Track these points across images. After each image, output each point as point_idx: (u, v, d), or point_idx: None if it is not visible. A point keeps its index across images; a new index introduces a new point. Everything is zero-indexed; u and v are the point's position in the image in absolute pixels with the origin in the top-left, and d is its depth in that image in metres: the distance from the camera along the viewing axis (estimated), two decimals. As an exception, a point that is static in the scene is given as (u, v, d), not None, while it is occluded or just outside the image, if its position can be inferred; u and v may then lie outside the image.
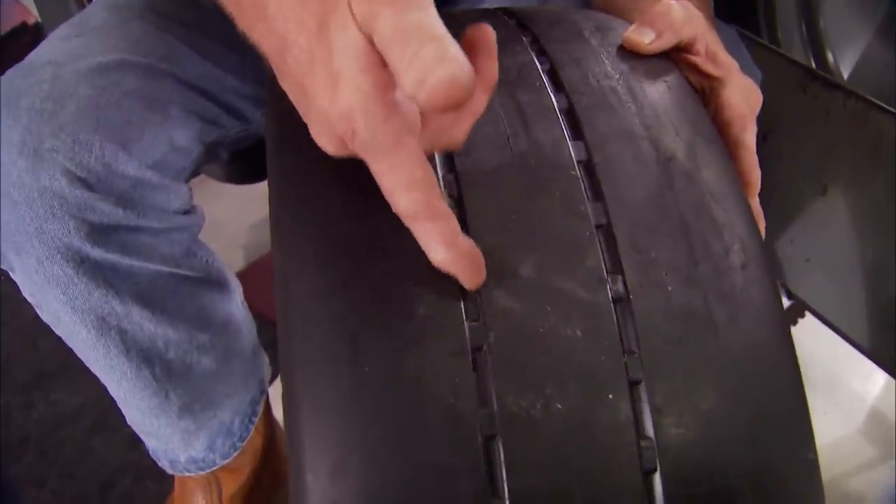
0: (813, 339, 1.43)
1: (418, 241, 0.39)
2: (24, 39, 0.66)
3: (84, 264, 0.68)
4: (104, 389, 0.82)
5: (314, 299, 0.39)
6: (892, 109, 0.76)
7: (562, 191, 0.43)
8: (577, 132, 0.45)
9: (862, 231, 0.86)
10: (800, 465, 0.40)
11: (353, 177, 0.41)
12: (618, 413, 0.38)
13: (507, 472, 0.37)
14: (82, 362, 0.78)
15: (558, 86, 0.48)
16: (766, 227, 0.52)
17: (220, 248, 0.86)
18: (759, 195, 0.54)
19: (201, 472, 0.91)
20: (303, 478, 0.37)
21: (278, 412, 1.20)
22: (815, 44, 0.96)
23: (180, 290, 0.77)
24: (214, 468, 0.91)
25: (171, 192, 0.71)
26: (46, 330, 0.76)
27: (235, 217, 1.59)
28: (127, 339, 0.74)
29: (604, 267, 0.41)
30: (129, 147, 0.66)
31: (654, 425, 0.38)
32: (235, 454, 0.92)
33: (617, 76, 0.49)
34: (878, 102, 0.77)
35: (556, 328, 0.39)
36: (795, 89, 0.84)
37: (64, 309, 0.71)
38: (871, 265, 0.87)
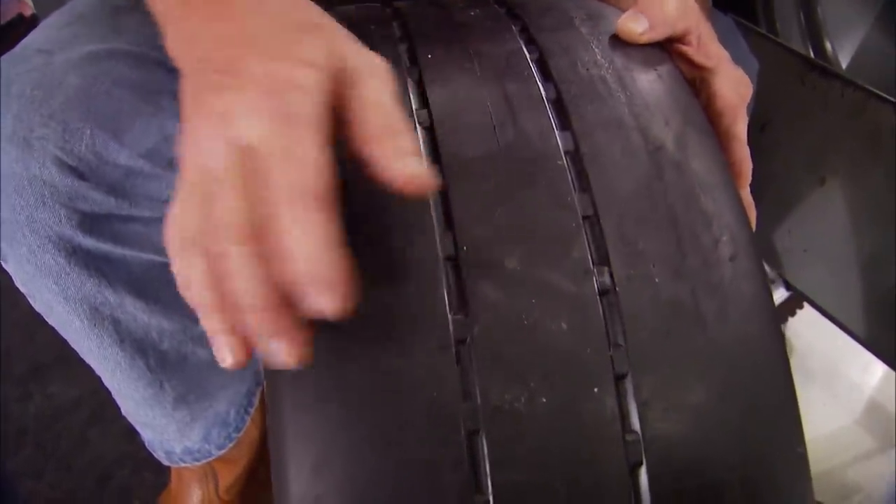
0: (811, 330, 1.43)
1: None
2: (20, 31, 0.66)
3: (76, 254, 0.67)
4: (101, 381, 0.81)
5: None
6: (891, 98, 0.76)
7: (548, 181, 0.42)
8: (564, 122, 0.45)
9: (860, 222, 0.86)
10: (789, 458, 0.40)
11: (336, 163, 0.41)
12: (603, 407, 0.38)
13: (490, 466, 0.36)
14: (81, 356, 0.78)
15: (547, 75, 0.47)
16: (765, 218, 0.51)
17: None
18: (757, 185, 0.54)
19: (197, 463, 0.91)
20: (285, 473, 0.37)
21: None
22: (814, 33, 0.95)
23: (173, 280, 0.77)
24: (210, 459, 0.91)
25: (163, 181, 0.71)
26: (44, 322, 0.76)
27: None
28: (121, 329, 0.74)
29: (590, 259, 0.40)
30: (121, 136, 0.66)
31: (640, 419, 0.38)
32: (231, 445, 0.92)
33: (607, 65, 0.48)
34: (877, 91, 0.77)
35: (542, 321, 0.38)
36: (794, 79, 0.83)
37: (56, 299, 0.70)
38: (868, 256, 0.87)
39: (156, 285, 0.75)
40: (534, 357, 0.38)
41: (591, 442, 0.37)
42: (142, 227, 0.71)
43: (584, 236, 0.41)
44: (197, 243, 0.36)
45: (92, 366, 0.79)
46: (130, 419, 0.87)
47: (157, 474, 1.17)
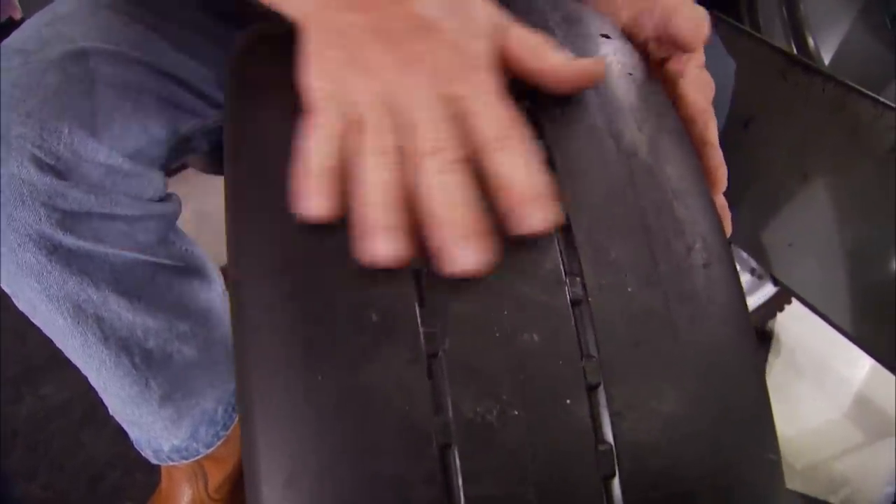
0: (800, 325, 1.44)
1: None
2: (9, 34, 0.67)
3: (57, 252, 0.68)
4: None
5: (266, 308, 0.39)
6: (870, 93, 0.76)
7: None
8: (537, 129, 0.44)
9: (843, 216, 0.86)
10: (761, 466, 0.40)
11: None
12: (576, 418, 0.38)
13: (463, 480, 0.36)
14: (65, 353, 0.78)
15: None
16: (750, 213, 0.52)
17: (208, 240, 0.85)
18: (742, 181, 0.54)
19: (185, 462, 0.91)
20: (258, 489, 0.37)
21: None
22: (796, 29, 0.95)
23: (158, 279, 0.77)
24: (198, 457, 0.91)
25: (144, 180, 0.71)
26: (35, 325, 0.76)
27: (223, 209, 1.58)
28: (105, 327, 0.74)
29: (562, 268, 0.40)
30: (99, 134, 0.66)
31: (613, 430, 0.38)
32: (219, 443, 0.92)
33: None
34: (857, 87, 0.77)
35: (514, 333, 0.38)
36: (776, 76, 0.83)
37: (39, 297, 0.71)
38: (852, 250, 0.87)
39: (139, 283, 0.75)
40: (506, 369, 0.38)
41: (564, 454, 0.37)
42: (124, 224, 0.71)
43: (556, 245, 0.41)
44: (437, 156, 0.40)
45: (77, 364, 0.79)
46: (118, 418, 0.87)
47: (148, 475, 1.18)
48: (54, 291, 0.70)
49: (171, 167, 0.80)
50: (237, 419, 0.92)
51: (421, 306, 0.39)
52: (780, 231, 0.97)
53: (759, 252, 1.03)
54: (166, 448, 0.90)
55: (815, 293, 0.99)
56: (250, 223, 0.41)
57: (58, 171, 0.64)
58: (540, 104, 0.45)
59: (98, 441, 0.89)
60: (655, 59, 0.54)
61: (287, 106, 0.43)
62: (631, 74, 0.49)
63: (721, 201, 0.51)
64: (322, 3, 0.43)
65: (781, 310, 1.49)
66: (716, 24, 0.82)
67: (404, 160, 0.40)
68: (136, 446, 0.92)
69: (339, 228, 0.39)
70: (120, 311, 0.74)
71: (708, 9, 0.81)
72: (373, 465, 0.36)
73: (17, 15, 1.90)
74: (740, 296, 0.42)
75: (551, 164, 0.43)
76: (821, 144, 0.83)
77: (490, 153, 0.40)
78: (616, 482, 0.37)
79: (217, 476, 1.01)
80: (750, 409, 0.40)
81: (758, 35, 0.88)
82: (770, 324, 1.52)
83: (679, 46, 0.53)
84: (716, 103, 0.63)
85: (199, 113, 0.78)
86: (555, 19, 0.52)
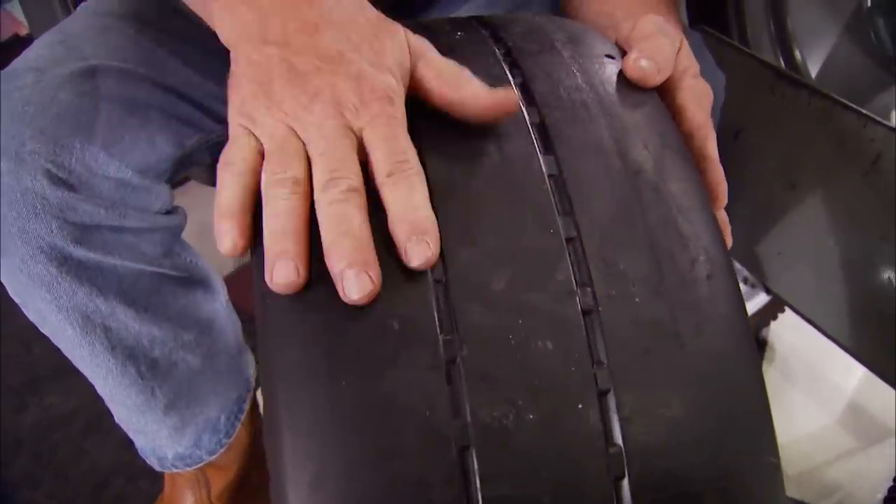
0: (793, 334, 1.46)
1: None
2: (17, 50, 0.69)
3: (67, 263, 0.69)
4: (97, 392, 0.83)
5: (292, 316, 0.40)
6: (854, 106, 0.78)
7: (533, 205, 0.44)
8: (548, 146, 0.46)
9: (829, 225, 0.88)
10: (763, 469, 0.42)
11: None
12: (587, 422, 0.40)
13: (480, 481, 0.38)
14: (76, 367, 0.79)
15: (530, 100, 0.49)
16: (740, 223, 0.53)
17: (212, 251, 0.86)
18: (731, 191, 0.56)
19: (189, 469, 0.92)
20: (283, 490, 0.39)
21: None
22: (784, 43, 0.98)
23: (164, 289, 0.79)
24: (201, 464, 0.93)
25: (152, 193, 0.73)
26: (40, 335, 0.77)
27: None
28: (112, 337, 0.76)
29: (573, 280, 0.42)
30: (110, 149, 0.68)
31: (623, 434, 0.40)
32: (222, 451, 0.93)
33: (587, 89, 0.50)
34: (841, 100, 0.79)
35: (528, 341, 0.40)
36: (764, 89, 0.86)
37: (49, 308, 0.72)
38: (840, 259, 0.90)
39: (146, 294, 0.77)
40: (521, 375, 0.39)
41: (576, 456, 0.39)
42: (132, 237, 0.72)
43: (568, 258, 0.42)
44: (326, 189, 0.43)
45: (84, 373, 0.80)
46: (123, 426, 0.89)
47: (151, 483, 1.19)
48: (64, 302, 0.71)
49: (174, 180, 0.82)
50: (239, 427, 0.93)
51: (439, 316, 0.40)
52: (769, 240, 0.99)
53: (750, 261, 1.05)
54: (170, 455, 0.91)
55: (806, 301, 1.01)
56: None
57: (70, 184, 0.66)
58: (549, 121, 0.47)
59: (102, 449, 0.90)
60: None
61: None
62: (635, 95, 0.51)
63: (722, 216, 0.53)
64: (244, 35, 0.47)
65: (775, 318, 1.51)
66: (705, 37, 0.85)
67: (303, 191, 0.43)
68: (140, 454, 0.93)
69: None
70: (127, 321, 0.76)
71: (698, 24, 0.83)
72: (395, 467, 0.38)
73: (23, 31, 1.91)
74: (741, 306, 0.44)
75: (562, 181, 0.45)
76: (808, 155, 0.86)
77: (382, 186, 0.43)
78: (625, 483, 0.39)
79: (219, 483, 1.02)
80: (751, 414, 0.43)
81: (746, 49, 0.90)
82: (764, 332, 1.54)
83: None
84: None
85: (203, 128, 0.79)
86: (560, 39, 0.54)
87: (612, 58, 0.54)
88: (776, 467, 0.42)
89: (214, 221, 0.43)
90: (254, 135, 0.45)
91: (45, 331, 0.76)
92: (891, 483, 1.08)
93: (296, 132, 0.44)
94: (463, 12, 0.86)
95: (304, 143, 0.44)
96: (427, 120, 0.47)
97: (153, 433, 0.87)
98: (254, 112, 0.45)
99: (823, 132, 0.81)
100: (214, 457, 0.92)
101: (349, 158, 0.43)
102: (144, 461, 0.93)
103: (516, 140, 0.46)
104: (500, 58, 0.52)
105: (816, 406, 1.40)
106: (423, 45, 0.48)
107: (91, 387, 0.82)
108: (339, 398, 0.39)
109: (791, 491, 1.22)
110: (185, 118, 0.76)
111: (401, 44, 0.47)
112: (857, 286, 0.91)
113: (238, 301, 0.94)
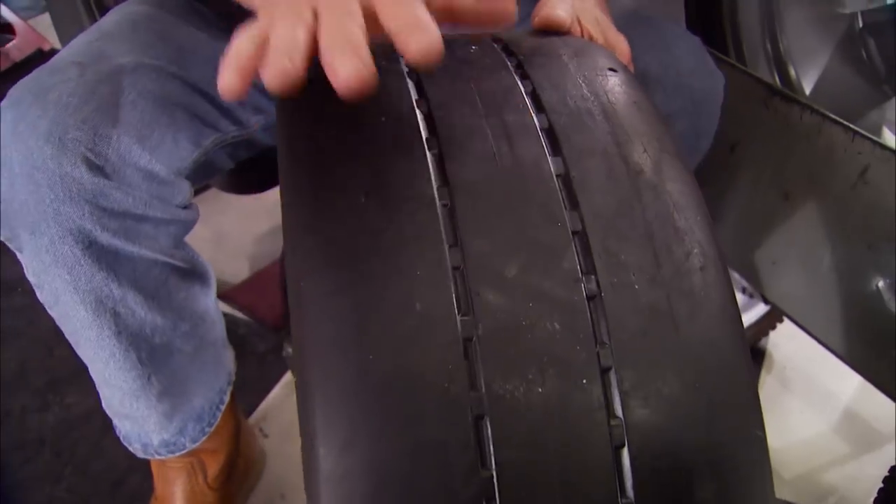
0: (790, 343, 1.50)
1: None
2: (40, 65, 0.75)
3: (91, 247, 0.74)
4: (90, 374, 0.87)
5: (325, 297, 0.45)
6: (842, 121, 0.83)
7: (542, 201, 0.48)
8: (556, 149, 0.51)
9: (820, 235, 0.93)
10: (750, 441, 0.46)
11: (358, 187, 0.47)
12: (591, 396, 0.44)
13: (493, 447, 0.42)
14: (74, 345, 0.84)
15: (539, 107, 0.53)
16: (737, 232, 0.58)
17: (226, 257, 0.90)
18: (729, 201, 0.61)
19: (172, 455, 0.97)
20: (315, 452, 0.43)
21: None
22: (779, 61, 1.02)
23: (170, 280, 0.84)
24: (184, 451, 0.97)
25: (174, 187, 0.78)
26: (61, 338, 0.82)
27: (241, 229, 1.68)
28: (119, 322, 0.81)
29: (579, 268, 0.46)
30: (143, 142, 0.73)
31: (623, 407, 0.44)
32: (204, 438, 0.98)
33: (592, 98, 0.55)
34: (830, 115, 0.84)
35: (537, 322, 0.44)
36: (758, 104, 0.90)
37: (66, 288, 0.77)
38: (831, 267, 0.94)
39: (155, 283, 0.82)
40: (531, 353, 0.44)
41: (581, 426, 0.43)
42: (151, 227, 0.78)
43: (574, 249, 0.47)
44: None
45: (84, 355, 0.85)
46: (110, 411, 0.94)
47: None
48: (82, 284, 0.76)
49: (198, 185, 0.87)
50: (220, 417, 0.98)
51: (457, 298, 0.45)
52: (765, 249, 1.04)
53: (747, 270, 1.09)
54: (156, 442, 0.96)
55: (801, 310, 1.05)
56: (308, 225, 0.47)
57: (105, 172, 0.71)
58: (557, 127, 0.52)
59: (119, 448, 0.94)
60: None
61: (333, 122, 0.50)
62: (636, 104, 0.55)
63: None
64: None
65: (773, 328, 1.55)
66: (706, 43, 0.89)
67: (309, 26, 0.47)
68: (123, 441, 0.98)
69: (387, 231, 0.46)
70: (135, 307, 0.81)
71: (695, 32, 0.89)
72: (417, 433, 0.42)
73: (46, 46, 1.97)
74: (731, 295, 0.48)
75: (568, 179, 0.49)
76: (799, 167, 0.90)
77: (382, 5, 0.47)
78: (625, 452, 0.44)
79: (214, 466, 1.08)
80: (739, 392, 0.47)
81: (742, 67, 0.95)
82: (763, 342, 1.58)
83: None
84: (707, 113, 0.77)
85: (220, 128, 0.84)
86: (567, 53, 0.59)
87: (614, 71, 0.58)
88: (761, 439, 0.46)
89: (221, 67, 0.48)
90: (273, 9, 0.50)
91: (53, 311, 0.81)
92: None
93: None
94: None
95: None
96: (447, 126, 0.51)
97: (142, 419, 0.92)
98: None
99: (814, 145, 0.86)
100: (197, 444, 0.97)
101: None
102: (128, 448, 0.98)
103: (527, 143, 0.51)
104: (512, 70, 0.57)
105: (813, 412, 1.43)
106: None
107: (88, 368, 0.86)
108: (367, 370, 0.43)
109: (786, 494, 1.25)
110: (203, 117, 0.81)
111: None
112: (848, 295, 0.95)
113: (253, 306, 0.99)
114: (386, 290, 0.44)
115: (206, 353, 0.93)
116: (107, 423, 0.94)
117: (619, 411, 0.44)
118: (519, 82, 0.55)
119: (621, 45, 0.72)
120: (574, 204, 0.48)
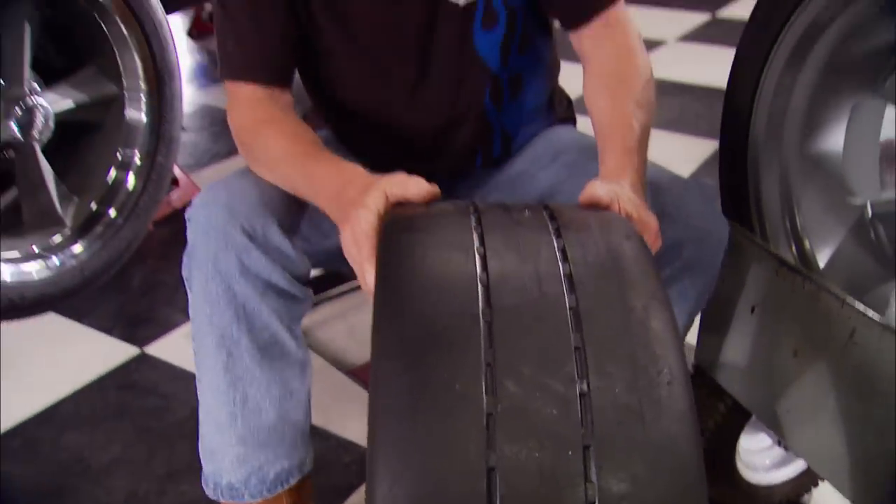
0: (834, 499, 1.47)
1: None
2: (176, 221, 1.15)
3: (228, 291, 1.02)
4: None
5: (391, 377, 0.64)
6: (835, 290, 0.99)
7: (556, 324, 0.67)
8: (572, 289, 0.70)
9: (824, 387, 1.06)
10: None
11: (418, 304, 0.67)
12: (575, 464, 0.60)
13: (500, 494, 0.59)
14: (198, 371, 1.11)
15: (565, 258, 0.73)
16: (762, 386, 0.73)
17: (356, 346, 1.14)
18: (752, 356, 0.78)
19: (232, 501, 1.15)
20: (373, 482, 0.61)
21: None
22: (795, 236, 1.20)
23: (277, 347, 1.09)
24: (241, 502, 1.15)
25: (296, 262, 1.06)
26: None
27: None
28: (230, 360, 1.07)
29: (576, 373, 0.64)
30: (277, 222, 1.04)
31: (597, 475, 0.60)
32: (261, 500, 1.15)
33: (606, 256, 0.74)
34: (825, 284, 1.01)
35: (542, 407, 0.62)
36: (771, 272, 1.08)
37: (206, 321, 1.05)
38: (836, 418, 1.06)
39: (266, 343, 1.08)
40: (534, 427, 0.61)
41: (564, 485, 0.60)
42: (274, 295, 1.05)
43: (574, 360, 0.65)
44: None
45: (200, 378, 1.11)
46: (202, 451, 1.15)
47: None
48: (216, 320, 1.04)
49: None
50: (281, 492, 1.16)
51: (486, 385, 0.63)
52: (783, 401, 1.17)
53: (773, 421, 1.21)
54: (223, 483, 1.15)
55: (822, 463, 1.16)
56: (384, 329, 0.68)
57: (252, 237, 1.01)
58: (575, 275, 0.71)
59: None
60: None
61: (409, 252, 0.72)
62: (637, 263, 0.75)
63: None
64: (330, 207, 0.97)
65: (816, 485, 1.57)
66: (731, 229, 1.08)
67: None
68: (202, 483, 1.17)
69: (438, 331, 0.65)
70: (245, 354, 1.06)
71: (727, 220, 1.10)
72: (450, 483, 0.60)
73: (179, 204, 2.39)
74: (691, 404, 0.65)
75: (577, 311, 0.68)
76: (804, 328, 1.06)
77: None
78: None
79: None
80: (691, 481, 0.63)
81: (757, 240, 1.13)
82: (805, 498, 1.59)
83: None
84: (709, 245, 1.04)
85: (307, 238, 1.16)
86: (595, 223, 0.80)
87: (629, 238, 0.78)
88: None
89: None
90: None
91: (194, 342, 1.09)
92: None
93: None
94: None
95: None
96: (497, 267, 0.71)
97: (221, 456, 1.13)
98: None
99: (814, 309, 1.02)
100: (254, 501, 1.15)
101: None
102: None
103: (551, 284, 0.70)
104: (552, 230, 0.77)
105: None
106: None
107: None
108: (416, 434, 0.61)
109: None
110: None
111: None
112: (854, 445, 1.06)
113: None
114: (434, 373, 0.64)
115: (285, 427, 1.13)
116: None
117: (594, 477, 0.60)
118: (555, 241, 0.76)
119: (651, 222, 0.91)
120: (579, 328, 0.67)
